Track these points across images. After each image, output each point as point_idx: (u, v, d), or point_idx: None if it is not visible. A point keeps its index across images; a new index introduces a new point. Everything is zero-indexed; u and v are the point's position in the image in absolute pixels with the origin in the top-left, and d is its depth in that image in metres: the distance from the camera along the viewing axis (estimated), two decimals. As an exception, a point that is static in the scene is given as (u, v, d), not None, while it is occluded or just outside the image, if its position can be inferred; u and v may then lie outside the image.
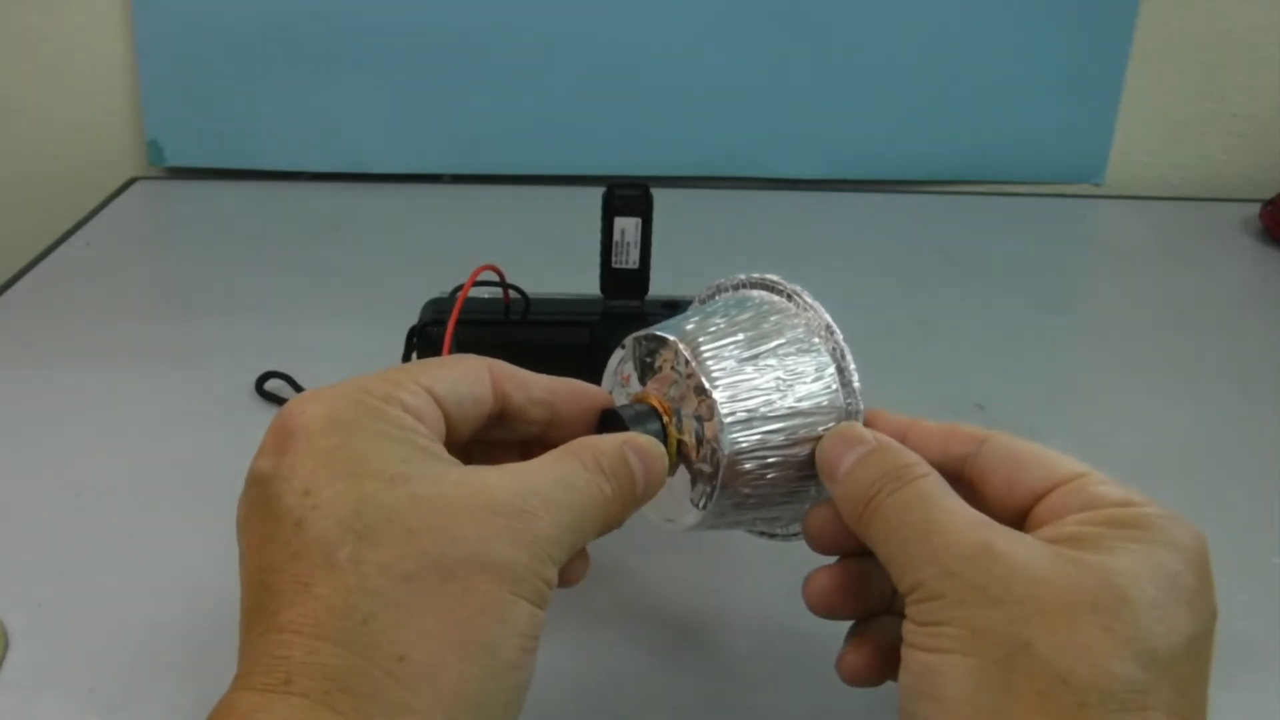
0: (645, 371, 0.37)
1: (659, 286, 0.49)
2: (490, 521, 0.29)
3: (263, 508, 0.30)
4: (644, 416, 0.36)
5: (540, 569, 0.30)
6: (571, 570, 0.35)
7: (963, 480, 0.34)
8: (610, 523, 0.33)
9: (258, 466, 0.31)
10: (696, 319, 0.37)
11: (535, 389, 0.36)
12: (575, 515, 0.31)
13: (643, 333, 0.37)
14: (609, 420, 0.37)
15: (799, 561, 0.36)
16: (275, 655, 0.28)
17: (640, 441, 0.34)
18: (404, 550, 0.28)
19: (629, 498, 0.33)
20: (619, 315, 0.49)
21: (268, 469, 0.31)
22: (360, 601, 0.28)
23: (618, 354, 0.39)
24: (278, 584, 0.29)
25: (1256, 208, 0.91)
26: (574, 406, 0.37)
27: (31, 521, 0.51)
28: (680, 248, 0.54)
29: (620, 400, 0.38)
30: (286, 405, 0.32)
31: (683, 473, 0.37)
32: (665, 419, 0.36)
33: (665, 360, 0.36)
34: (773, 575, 0.45)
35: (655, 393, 0.37)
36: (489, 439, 0.37)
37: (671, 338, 0.36)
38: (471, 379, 0.35)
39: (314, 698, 0.27)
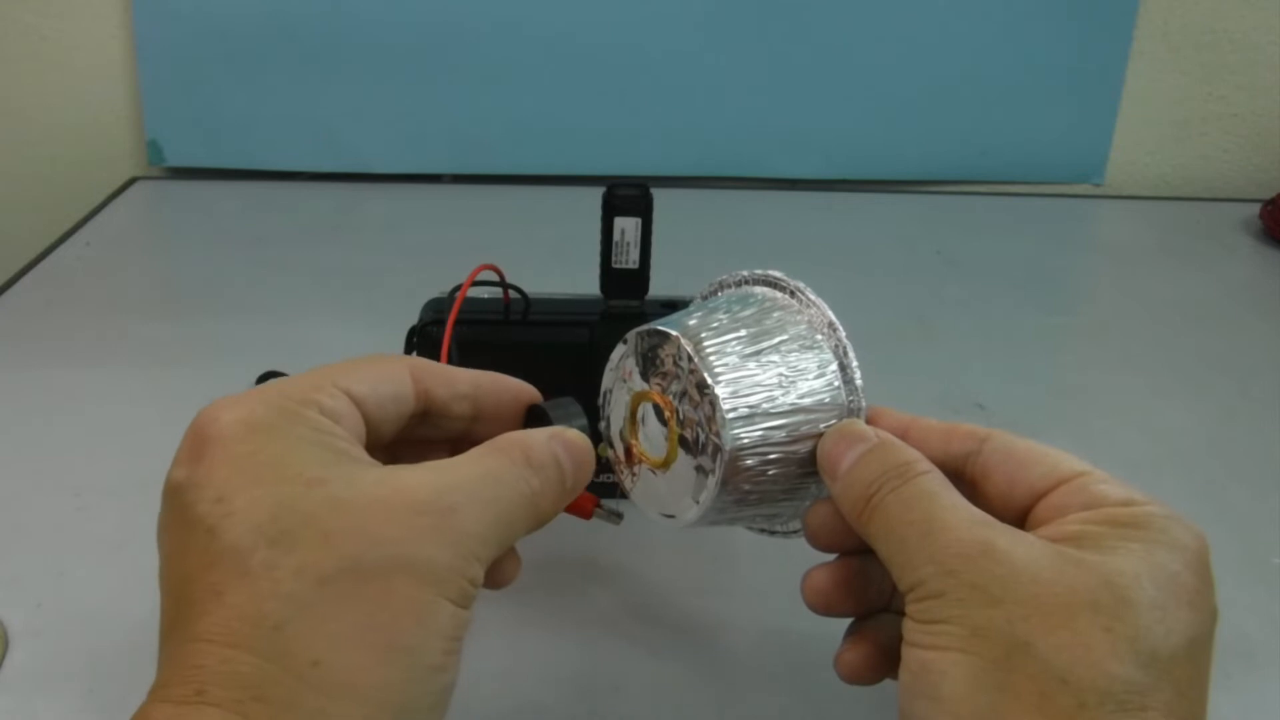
0: (647, 367, 0.37)
1: (659, 287, 0.49)
2: (410, 521, 0.29)
3: (178, 517, 0.30)
4: (571, 412, 0.37)
5: (464, 568, 0.30)
6: (502, 571, 0.34)
7: (964, 479, 0.34)
8: (540, 518, 0.33)
9: (173, 476, 0.31)
10: (699, 314, 0.37)
11: (459, 383, 0.36)
12: (501, 511, 0.31)
13: (645, 328, 0.37)
14: (536, 416, 0.37)
15: (799, 561, 0.36)
16: (189, 665, 0.27)
17: (568, 436, 0.34)
18: (320, 554, 0.28)
19: (558, 492, 0.33)
20: (619, 315, 0.49)
21: (182, 478, 0.30)
22: (273, 607, 0.27)
23: (619, 349, 0.39)
24: (192, 593, 0.28)
25: (1256, 208, 0.91)
26: (499, 400, 0.37)
27: (31, 521, 0.51)
28: (680, 248, 0.54)
29: (621, 397, 0.38)
30: (201, 411, 0.31)
31: (683, 468, 0.37)
32: (666, 414, 0.36)
33: (667, 355, 0.36)
34: (773, 575, 0.46)
35: (657, 388, 0.37)
36: (416, 437, 0.36)
37: (674, 333, 0.36)
38: (391, 378, 0.34)
39: (227, 707, 0.26)
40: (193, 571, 0.29)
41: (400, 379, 0.35)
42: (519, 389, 0.37)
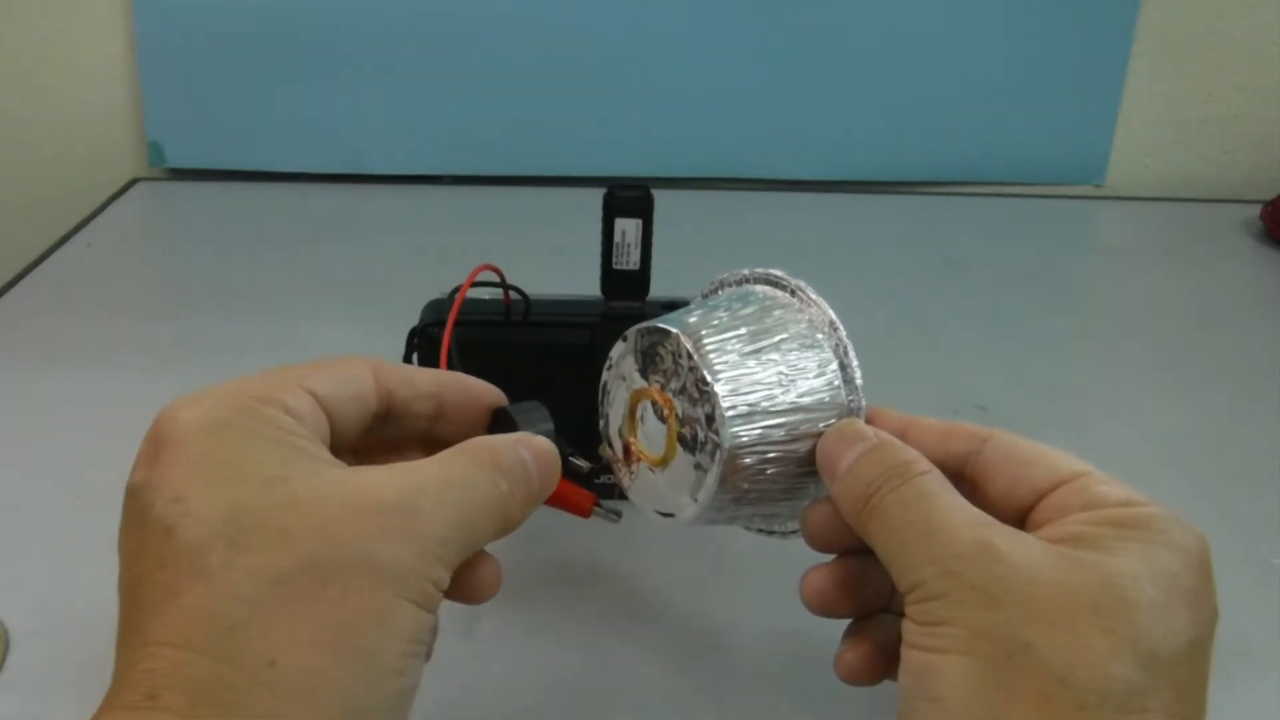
0: (646, 364, 0.37)
1: (660, 288, 0.49)
2: (372, 521, 0.29)
3: (135, 519, 0.29)
4: (535, 417, 0.36)
5: (426, 570, 0.29)
6: (482, 582, 0.33)
7: (964, 479, 0.34)
8: (508, 524, 0.32)
9: (132, 479, 0.30)
10: (699, 312, 0.37)
11: (420, 383, 0.36)
12: (466, 514, 0.31)
13: (645, 325, 0.37)
14: (500, 419, 0.37)
15: (798, 561, 0.36)
16: (140, 669, 0.27)
17: (533, 441, 0.34)
18: (278, 553, 0.27)
19: (525, 495, 0.33)
20: (620, 316, 0.49)
21: (140, 480, 0.30)
22: (228, 608, 0.27)
23: (619, 346, 0.39)
24: (147, 595, 0.28)
25: (1257, 208, 0.91)
26: (461, 400, 0.36)
27: (32, 522, 0.51)
28: (681, 249, 0.53)
29: (620, 395, 0.38)
30: (161, 411, 0.31)
31: (681, 466, 0.37)
32: (665, 411, 0.36)
33: (667, 353, 0.36)
34: (772, 575, 0.45)
35: (656, 385, 0.37)
36: (383, 439, 0.36)
37: (674, 330, 0.36)
38: (354, 377, 0.34)
39: (178, 711, 0.26)
40: (148, 572, 0.28)
41: (362, 378, 0.34)
42: (482, 390, 0.37)
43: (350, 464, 0.31)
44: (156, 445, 0.30)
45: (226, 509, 0.28)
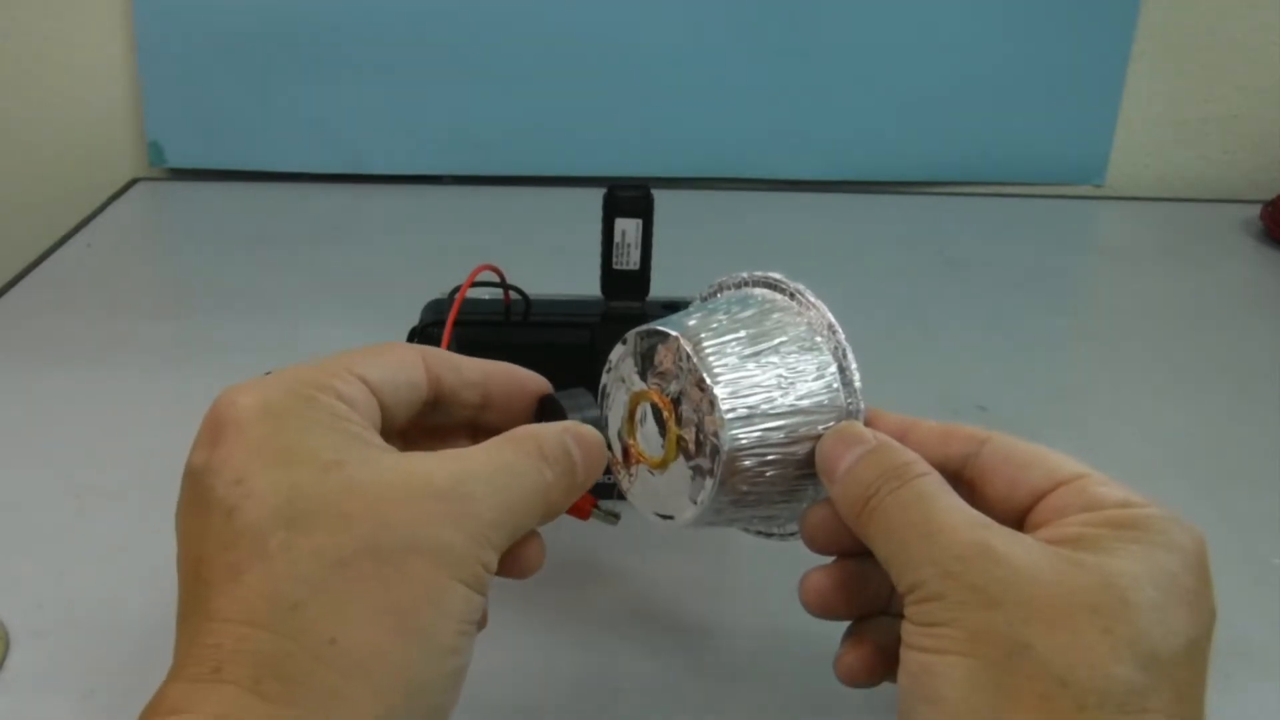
0: (646, 366, 0.37)
1: (660, 288, 0.49)
2: (427, 505, 0.30)
3: (196, 501, 0.30)
4: (582, 404, 0.37)
5: (478, 552, 0.30)
6: (527, 559, 0.35)
7: (963, 481, 0.34)
8: (551, 510, 0.33)
9: (192, 460, 0.31)
10: (699, 315, 0.37)
11: (468, 372, 0.36)
12: (515, 500, 0.32)
13: (644, 327, 0.37)
14: (547, 406, 0.37)
15: (797, 563, 0.36)
16: (206, 644, 0.28)
17: (580, 430, 0.35)
18: (338, 536, 0.29)
19: (570, 485, 0.34)
20: (620, 317, 0.49)
21: (201, 462, 0.31)
22: (290, 588, 0.28)
23: (618, 349, 0.39)
24: (210, 574, 0.29)
25: (1257, 208, 0.91)
26: (508, 389, 0.37)
27: (32, 522, 0.51)
28: (681, 249, 0.54)
29: (620, 397, 0.38)
30: (219, 396, 0.32)
31: (681, 469, 0.37)
32: (665, 414, 0.36)
33: (666, 355, 0.36)
34: (771, 576, 0.45)
35: (656, 388, 0.37)
36: (428, 425, 0.37)
37: (673, 333, 0.36)
38: (406, 365, 0.35)
39: (244, 685, 0.27)
40: (210, 552, 0.29)
41: (414, 366, 0.35)
42: (529, 379, 0.38)
43: (399, 449, 0.32)
44: (216, 429, 0.31)
45: (287, 492, 0.29)
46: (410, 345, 0.36)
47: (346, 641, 0.28)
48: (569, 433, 0.34)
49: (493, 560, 0.31)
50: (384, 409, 0.34)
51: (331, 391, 0.32)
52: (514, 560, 0.34)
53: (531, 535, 0.34)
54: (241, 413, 0.31)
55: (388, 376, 0.34)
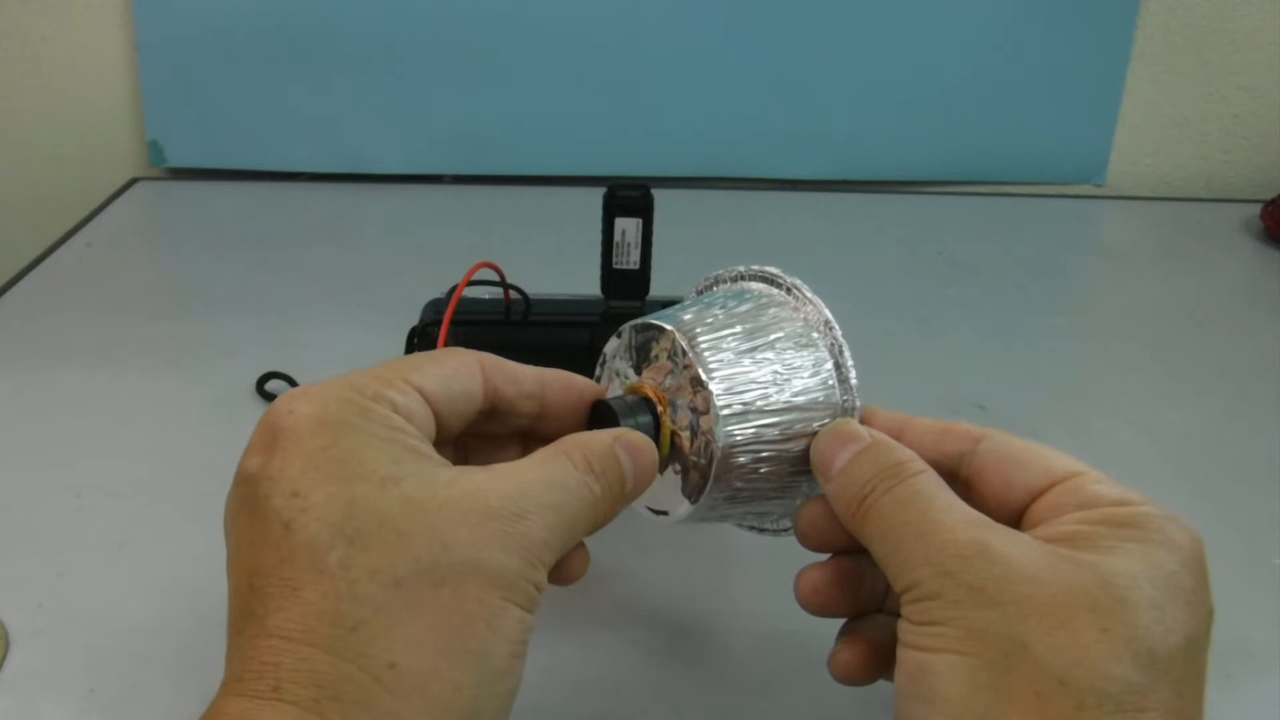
0: (641, 360, 0.37)
1: (660, 287, 0.49)
2: (483, 526, 0.29)
3: (251, 508, 0.30)
4: (636, 408, 0.36)
5: (531, 573, 0.30)
6: (572, 568, 0.35)
7: (959, 479, 0.34)
8: (599, 521, 0.33)
9: (246, 465, 0.31)
10: (695, 309, 0.37)
11: (525, 382, 0.36)
12: (566, 517, 0.31)
13: (640, 321, 0.37)
14: (600, 411, 0.37)
15: (795, 561, 0.36)
16: (264, 661, 0.28)
17: (631, 439, 0.34)
18: (395, 555, 0.28)
19: (618, 495, 0.33)
20: (620, 316, 0.49)
21: (256, 468, 0.30)
22: (350, 608, 0.28)
23: (613, 342, 0.39)
24: (266, 588, 0.29)
25: (1257, 208, 0.91)
26: (564, 398, 0.37)
27: (32, 522, 0.51)
28: (681, 248, 0.54)
29: (614, 390, 0.38)
30: (275, 403, 0.32)
31: (675, 464, 0.36)
32: (660, 408, 0.36)
33: (662, 350, 0.36)
34: (770, 575, 0.45)
35: (650, 382, 0.37)
36: (482, 432, 0.37)
37: (669, 327, 0.36)
38: (463, 375, 0.34)
39: (304, 705, 0.27)
40: (267, 565, 0.29)
41: (471, 376, 0.35)
42: (584, 386, 0.37)
43: (450, 456, 0.32)
44: (271, 436, 0.31)
45: (344, 508, 0.29)
46: (468, 352, 0.35)
47: (406, 665, 0.28)
48: (619, 441, 0.34)
49: (543, 579, 0.31)
50: (439, 419, 0.33)
51: (387, 402, 0.32)
52: (560, 571, 0.33)
53: (577, 545, 0.34)
54: (299, 422, 0.31)
55: (444, 387, 0.34)
